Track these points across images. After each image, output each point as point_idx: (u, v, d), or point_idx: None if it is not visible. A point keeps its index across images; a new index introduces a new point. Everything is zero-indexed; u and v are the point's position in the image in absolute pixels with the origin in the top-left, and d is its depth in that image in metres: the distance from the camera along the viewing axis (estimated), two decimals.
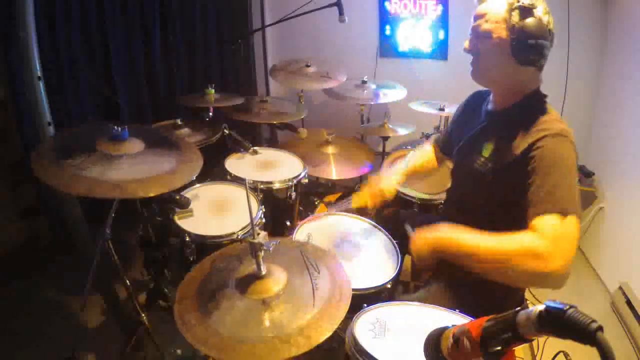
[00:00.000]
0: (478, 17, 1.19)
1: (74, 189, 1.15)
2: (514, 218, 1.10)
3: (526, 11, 1.11)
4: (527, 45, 1.12)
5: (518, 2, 1.12)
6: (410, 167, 1.64)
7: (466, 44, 1.23)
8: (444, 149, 1.64)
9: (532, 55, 1.14)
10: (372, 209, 1.52)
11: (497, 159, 1.19)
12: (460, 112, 1.53)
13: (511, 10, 1.12)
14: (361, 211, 1.58)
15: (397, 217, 1.75)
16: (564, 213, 1.01)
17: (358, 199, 1.53)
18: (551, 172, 1.05)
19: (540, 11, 1.12)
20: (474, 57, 1.23)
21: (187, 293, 1.08)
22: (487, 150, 1.23)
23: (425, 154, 1.70)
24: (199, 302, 1.05)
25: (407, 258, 1.57)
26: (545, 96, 1.23)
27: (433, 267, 1.26)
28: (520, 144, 1.12)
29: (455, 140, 1.49)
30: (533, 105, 1.18)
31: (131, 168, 1.29)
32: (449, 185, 1.52)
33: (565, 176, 1.05)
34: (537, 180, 1.06)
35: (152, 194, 1.21)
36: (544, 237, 0.99)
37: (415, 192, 1.90)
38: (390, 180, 1.56)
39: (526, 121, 1.15)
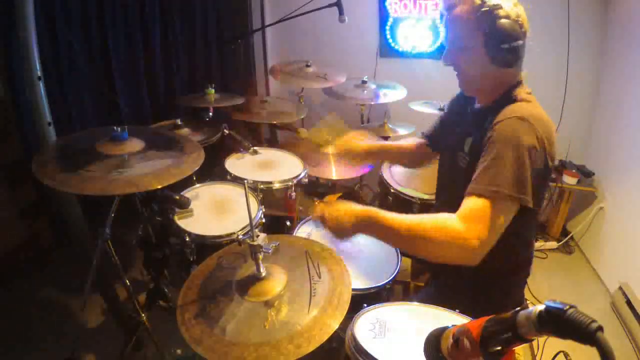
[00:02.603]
0: (449, 25, 1.16)
1: (89, 190, 1.17)
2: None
3: (493, 13, 1.08)
4: (501, 49, 1.09)
5: (483, 4, 1.08)
6: (380, 145, 1.63)
7: (443, 58, 1.20)
8: (433, 144, 1.56)
9: (508, 57, 1.11)
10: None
11: (472, 152, 1.19)
12: (448, 110, 1.50)
13: (478, 14, 1.09)
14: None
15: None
16: (486, 195, 1.01)
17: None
18: (490, 152, 1.04)
19: (507, 6, 1.08)
20: (457, 70, 1.21)
21: (191, 290, 1.09)
22: (467, 146, 1.23)
23: (403, 144, 1.65)
24: (200, 301, 1.05)
25: (406, 259, 1.58)
26: (520, 85, 1.19)
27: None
28: (487, 132, 1.11)
29: (443, 138, 1.47)
30: (509, 98, 1.16)
31: (139, 165, 1.31)
32: None
33: (503, 156, 1.02)
34: (487, 160, 1.05)
35: (167, 184, 1.25)
36: (460, 218, 1.01)
37: (415, 192, 1.90)
38: (353, 141, 1.57)
39: (498, 112, 1.13)
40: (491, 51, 1.10)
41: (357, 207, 1.13)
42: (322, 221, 1.16)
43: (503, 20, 1.07)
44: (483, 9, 1.08)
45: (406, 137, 2.58)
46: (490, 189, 1.01)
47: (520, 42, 1.10)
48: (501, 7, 1.08)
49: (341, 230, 1.12)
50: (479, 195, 1.02)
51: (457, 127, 1.36)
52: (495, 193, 1.01)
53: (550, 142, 1.08)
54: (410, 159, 1.63)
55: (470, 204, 1.03)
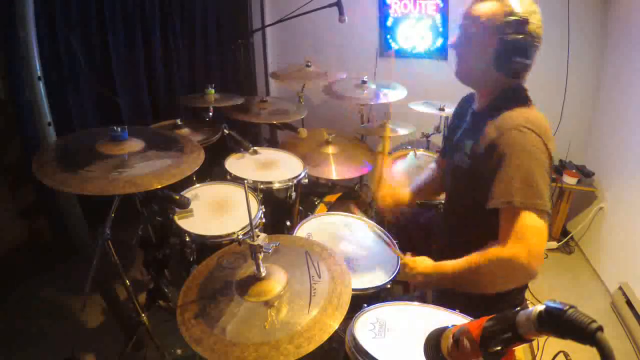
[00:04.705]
0: (470, 17, 1.17)
1: (89, 190, 1.17)
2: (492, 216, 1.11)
3: (520, 25, 1.09)
4: (510, 61, 1.12)
5: (513, 14, 1.09)
6: (418, 187, 1.69)
7: (452, 40, 1.23)
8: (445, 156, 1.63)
9: (513, 69, 1.14)
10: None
11: (473, 156, 1.22)
12: (452, 117, 1.55)
13: (506, 21, 1.10)
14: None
15: (397, 217, 1.75)
16: (520, 205, 1.03)
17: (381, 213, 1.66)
18: (508, 166, 1.06)
19: (534, 23, 1.10)
20: (459, 56, 1.24)
21: (191, 290, 1.09)
22: (467, 148, 1.25)
23: (430, 173, 1.71)
24: (200, 301, 1.05)
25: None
26: (522, 90, 1.21)
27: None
28: (487, 140, 1.14)
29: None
30: (508, 102, 1.18)
31: (139, 165, 1.31)
32: None
33: (522, 168, 1.05)
34: (497, 175, 1.08)
35: (167, 183, 1.25)
36: (509, 238, 1.04)
37: None
38: (402, 192, 1.65)
39: (495, 117, 1.16)
40: (500, 59, 1.13)
41: (428, 263, 1.26)
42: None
43: (524, 36, 1.09)
44: (511, 18, 1.09)
45: (406, 136, 2.58)
46: (518, 199, 1.03)
47: (529, 60, 1.13)
48: (529, 23, 1.09)
49: (417, 286, 1.34)
50: (510, 206, 1.05)
51: (458, 129, 1.39)
52: (526, 201, 1.03)
53: (548, 138, 1.10)
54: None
55: (502, 222, 1.07)
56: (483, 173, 1.14)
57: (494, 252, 1.06)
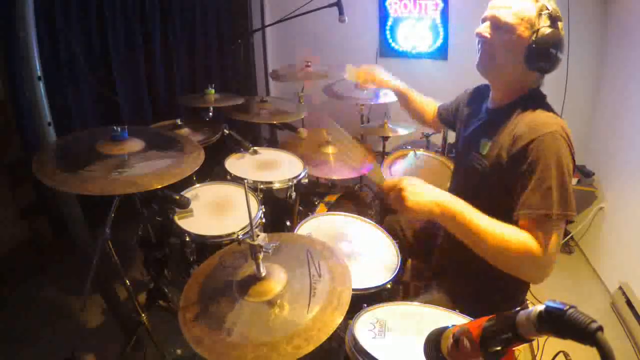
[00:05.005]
0: (502, 7, 1.15)
1: (89, 190, 1.16)
2: (511, 219, 1.09)
3: (554, 20, 1.10)
4: (546, 53, 1.11)
5: (547, 9, 1.10)
6: (408, 89, 1.81)
7: (482, 30, 1.18)
8: (443, 116, 1.67)
9: (545, 64, 1.13)
10: (360, 84, 1.83)
11: (492, 157, 1.18)
12: (467, 99, 1.50)
13: (541, 14, 1.10)
14: None
15: (397, 217, 1.75)
16: (556, 217, 1.02)
17: (352, 73, 1.81)
18: (545, 175, 1.04)
19: (561, 23, 1.12)
20: (485, 47, 1.20)
21: (192, 290, 1.09)
22: (484, 148, 1.22)
23: (427, 100, 1.79)
24: (201, 302, 1.05)
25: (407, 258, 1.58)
26: (544, 96, 1.21)
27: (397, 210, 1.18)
28: (515, 144, 1.10)
29: (454, 122, 1.55)
30: (530, 105, 1.16)
31: (139, 165, 1.30)
32: (447, 185, 1.52)
33: (559, 178, 1.03)
34: (532, 182, 1.05)
35: (167, 183, 1.24)
36: (542, 245, 1.01)
37: None
38: (385, 73, 1.79)
39: (522, 120, 1.13)
40: (533, 50, 1.11)
41: (439, 193, 1.12)
42: (396, 195, 1.12)
43: (557, 30, 1.11)
44: (546, 12, 1.10)
45: (406, 136, 2.58)
46: (557, 210, 1.02)
47: (562, 55, 1.13)
48: (561, 20, 1.12)
49: (417, 212, 1.09)
50: (549, 217, 1.02)
51: (471, 123, 1.36)
52: (563, 213, 1.02)
53: (574, 148, 1.10)
54: (421, 119, 1.81)
55: (544, 226, 1.03)
56: (507, 176, 1.11)
57: (534, 251, 1.01)
